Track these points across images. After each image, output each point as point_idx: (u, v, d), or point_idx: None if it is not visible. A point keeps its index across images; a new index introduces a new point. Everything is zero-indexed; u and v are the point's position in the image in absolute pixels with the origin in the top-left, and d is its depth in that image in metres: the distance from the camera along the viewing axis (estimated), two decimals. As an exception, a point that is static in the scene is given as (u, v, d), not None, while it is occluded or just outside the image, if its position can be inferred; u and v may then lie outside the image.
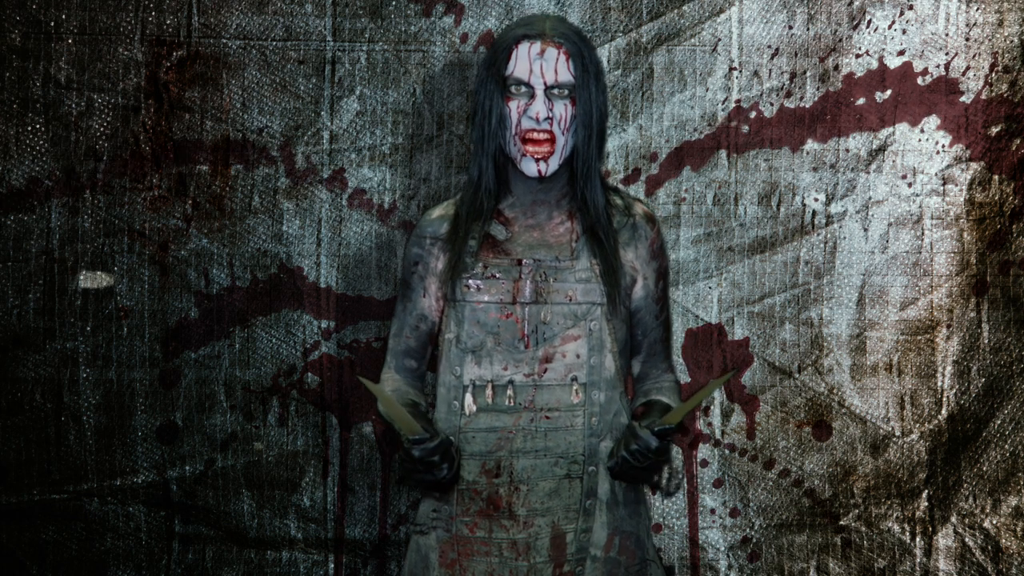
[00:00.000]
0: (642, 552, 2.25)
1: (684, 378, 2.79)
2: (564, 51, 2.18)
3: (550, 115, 2.18)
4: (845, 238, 2.82)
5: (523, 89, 2.19)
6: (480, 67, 2.28)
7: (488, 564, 2.17)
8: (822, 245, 2.82)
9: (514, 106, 2.19)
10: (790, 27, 2.80)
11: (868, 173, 2.81)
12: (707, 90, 2.80)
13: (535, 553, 2.17)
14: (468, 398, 2.20)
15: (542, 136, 2.18)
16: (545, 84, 2.18)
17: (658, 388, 2.31)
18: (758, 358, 2.82)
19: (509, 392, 2.17)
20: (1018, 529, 2.82)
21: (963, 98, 2.80)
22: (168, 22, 2.75)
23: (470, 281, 2.21)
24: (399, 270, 2.78)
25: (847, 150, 2.81)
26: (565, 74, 2.18)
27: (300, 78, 2.78)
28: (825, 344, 2.82)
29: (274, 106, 2.78)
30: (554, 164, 2.21)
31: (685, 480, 2.83)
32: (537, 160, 2.19)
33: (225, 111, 2.77)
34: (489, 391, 2.19)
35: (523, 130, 2.19)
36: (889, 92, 2.80)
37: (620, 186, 2.77)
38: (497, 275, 2.21)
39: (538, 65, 2.18)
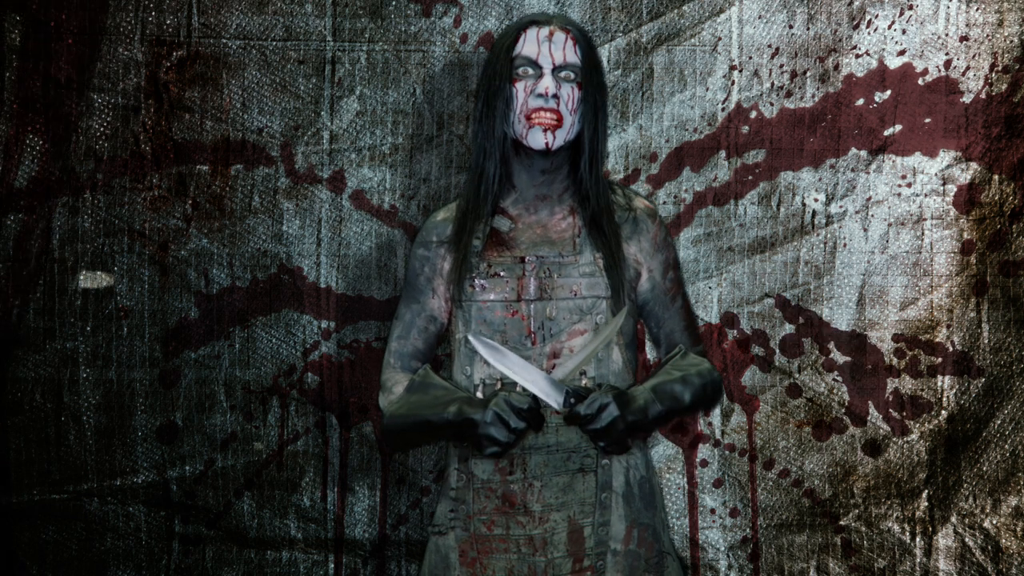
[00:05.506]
0: (659, 544, 2.25)
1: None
2: (571, 36, 2.22)
3: (558, 93, 2.18)
4: (845, 238, 2.82)
5: (530, 70, 2.20)
6: (486, 60, 2.30)
7: (507, 560, 2.17)
8: (822, 245, 2.82)
9: (521, 86, 2.20)
10: (790, 27, 2.80)
11: (868, 173, 2.81)
12: (707, 90, 2.80)
13: (552, 548, 2.17)
14: (479, 397, 2.19)
15: (549, 116, 2.19)
16: (553, 64, 2.19)
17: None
18: (758, 358, 2.82)
19: (519, 389, 2.16)
20: (1018, 529, 2.82)
21: (963, 98, 2.80)
22: (168, 22, 2.75)
23: (476, 281, 2.22)
24: (400, 272, 2.78)
25: (847, 150, 2.81)
26: (573, 56, 2.21)
27: (300, 78, 2.78)
28: (825, 344, 2.82)
29: (274, 106, 2.77)
30: (560, 138, 2.21)
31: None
32: (544, 130, 2.19)
33: (225, 111, 2.77)
34: (499, 389, 2.18)
35: (530, 109, 2.19)
36: (889, 92, 2.80)
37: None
38: (501, 273, 2.21)
39: (546, 46, 2.20)
